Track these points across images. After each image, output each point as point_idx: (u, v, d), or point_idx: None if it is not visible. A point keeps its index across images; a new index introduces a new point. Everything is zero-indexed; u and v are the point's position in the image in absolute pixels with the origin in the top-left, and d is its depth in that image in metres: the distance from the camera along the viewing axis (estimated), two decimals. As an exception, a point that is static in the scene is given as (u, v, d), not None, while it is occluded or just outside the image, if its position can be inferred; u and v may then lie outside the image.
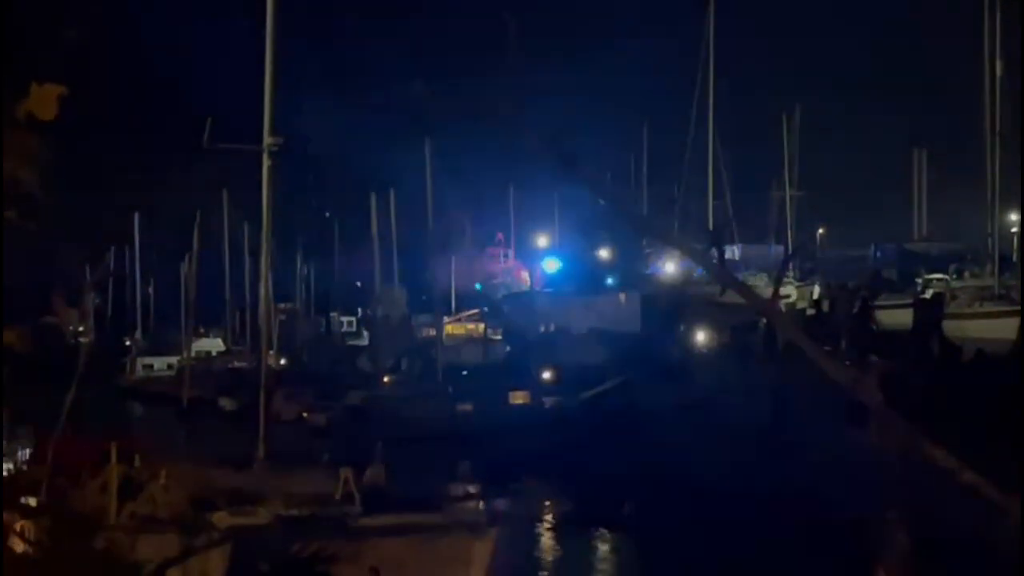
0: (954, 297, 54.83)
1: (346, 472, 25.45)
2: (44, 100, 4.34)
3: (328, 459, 30.06)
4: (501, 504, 35.38)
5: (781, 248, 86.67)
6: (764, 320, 42.47)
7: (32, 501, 19.50)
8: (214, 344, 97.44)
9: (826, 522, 24.65)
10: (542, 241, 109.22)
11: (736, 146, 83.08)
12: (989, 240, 57.42)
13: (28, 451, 27.07)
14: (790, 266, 75.72)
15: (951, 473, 4.49)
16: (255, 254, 60.95)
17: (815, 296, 66.77)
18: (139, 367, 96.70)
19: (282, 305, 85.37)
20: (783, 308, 53.81)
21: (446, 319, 79.75)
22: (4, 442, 29.70)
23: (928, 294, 58.25)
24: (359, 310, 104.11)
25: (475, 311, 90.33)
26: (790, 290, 69.87)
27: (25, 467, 25.58)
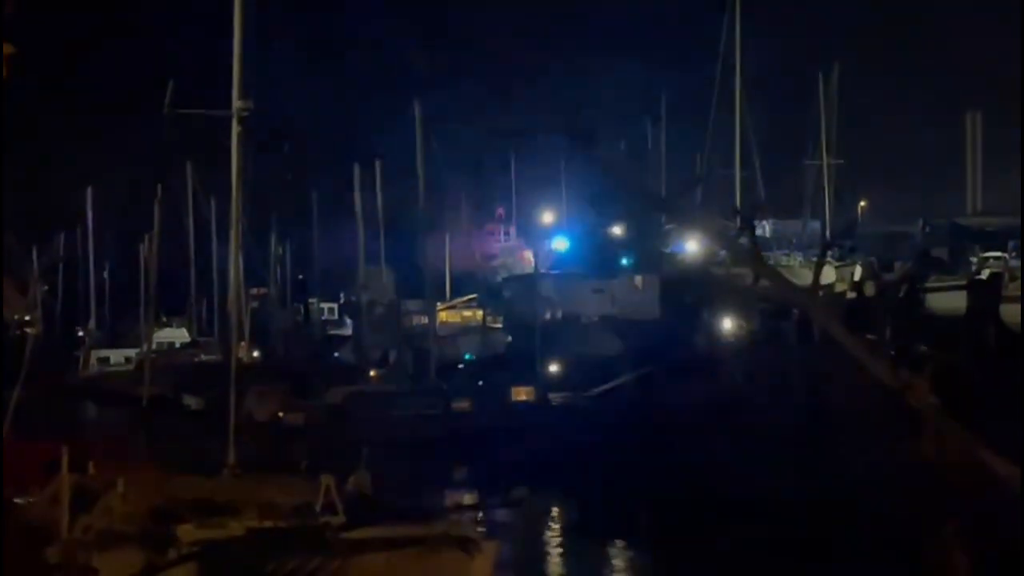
0: (1013, 278, 54.72)
1: (327, 479, 25.42)
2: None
3: (307, 465, 30.07)
4: (502, 515, 35.49)
5: (818, 224, 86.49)
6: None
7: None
8: (178, 335, 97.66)
9: (869, 539, 24.66)
10: (548, 217, 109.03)
11: (767, 109, 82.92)
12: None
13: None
14: (831, 248, 75.52)
15: (1012, 482, 4.49)
16: (223, 233, 60.85)
17: (856, 278, 66.61)
18: (93, 361, 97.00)
19: (255, 291, 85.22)
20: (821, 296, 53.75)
21: (439, 305, 79.80)
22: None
23: (984, 275, 58.13)
24: (341, 296, 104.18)
25: (472, 296, 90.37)
26: (828, 271, 69.59)
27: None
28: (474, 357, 72.76)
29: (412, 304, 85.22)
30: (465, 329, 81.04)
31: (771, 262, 54.38)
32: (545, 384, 58.82)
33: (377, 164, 79.98)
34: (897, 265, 66.73)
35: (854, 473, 28.67)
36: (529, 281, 78.70)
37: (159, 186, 78.15)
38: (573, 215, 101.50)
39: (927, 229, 78.01)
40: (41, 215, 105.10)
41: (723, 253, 65.97)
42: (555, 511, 39.84)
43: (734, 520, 31.51)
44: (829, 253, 71.32)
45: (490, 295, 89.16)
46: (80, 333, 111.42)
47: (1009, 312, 49.40)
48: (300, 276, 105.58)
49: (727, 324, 60.93)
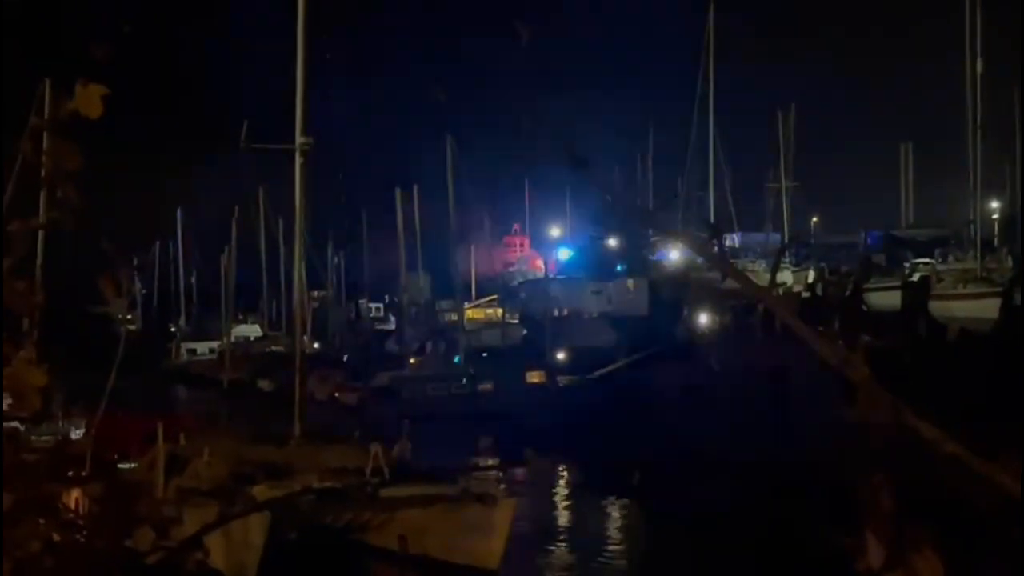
0: (939, 280, 54.60)
1: (376, 447, 25.48)
2: (89, 100, 4.32)
3: (359, 436, 30.10)
4: (519, 475, 35.50)
5: (778, 236, 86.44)
6: (762, 304, 42.34)
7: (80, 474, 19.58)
8: (252, 330, 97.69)
9: (814, 485, 24.65)
10: (555, 231, 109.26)
11: (736, 141, 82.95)
12: (971, 226, 57.23)
13: (80, 431, 27.19)
14: (786, 254, 75.49)
15: (934, 443, 4.47)
16: (289, 245, 60.97)
17: (810, 280, 66.49)
18: (183, 351, 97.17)
19: (315, 293, 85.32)
20: (780, 293, 53.71)
21: (467, 305, 79.78)
22: (59, 421, 29.91)
23: (915, 277, 58.00)
24: (386, 297, 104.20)
25: (493, 297, 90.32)
26: (786, 275, 69.67)
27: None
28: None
29: (444, 303, 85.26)
30: (488, 324, 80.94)
31: (739, 268, 54.22)
32: (554, 369, 58.78)
33: (415, 187, 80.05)
34: (843, 269, 66.66)
35: (804, 437, 28.63)
36: (540, 284, 78.85)
37: (236, 207, 78.26)
38: (577, 229, 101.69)
39: (868, 240, 77.94)
40: (139, 231, 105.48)
41: (699, 259, 65.97)
42: (563, 471, 39.83)
43: (707, 476, 31.48)
44: (785, 259, 71.27)
45: (508, 296, 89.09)
46: (172, 328, 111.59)
47: (936, 308, 49.33)
48: (353, 280, 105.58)
49: (703, 319, 60.87)
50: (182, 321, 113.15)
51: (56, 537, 4.55)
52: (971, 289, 50.69)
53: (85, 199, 4.24)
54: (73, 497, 5.17)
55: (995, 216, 68.73)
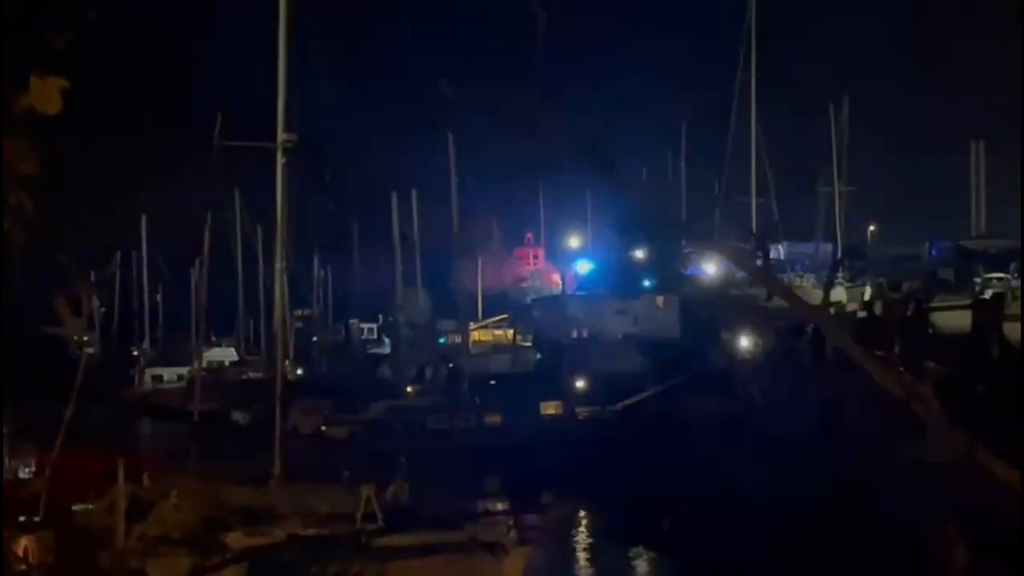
0: (1015, 297, 54.50)
1: (368, 489, 25.47)
2: (46, 94, 4.32)
3: (348, 476, 30.09)
4: (532, 521, 35.44)
5: (829, 247, 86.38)
6: (811, 325, 42.31)
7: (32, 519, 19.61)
8: (226, 353, 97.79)
9: (881, 540, 24.57)
10: (574, 241, 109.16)
11: (781, 140, 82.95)
12: (1052, 236, 57.19)
13: (30, 469, 27.23)
14: (840, 267, 75.39)
15: (1012, 486, 4.47)
16: (269, 257, 61.07)
17: (866, 298, 66.45)
18: (147, 378, 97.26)
19: (299, 312, 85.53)
20: (832, 312, 53.63)
21: (472, 325, 79.80)
22: (5, 459, 29.92)
23: (987, 295, 57.91)
24: (380, 316, 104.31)
25: (503, 316, 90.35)
26: (840, 292, 69.58)
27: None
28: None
29: (446, 324, 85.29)
30: (496, 347, 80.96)
31: (785, 283, 54.27)
32: (572, 399, 58.76)
33: (413, 192, 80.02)
34: (905, 286, 66.54)
35: (862, 480, 28.57)
36: (557, 302, 78.87)
37: (208, 214, 78.39)
38: (598, 239, 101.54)
39: (933, 252, 77.80)
40: (98, 242, 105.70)
41: (740, 274, 65.89)
42: (582, 518, 39.77)
43: (748, 525, 31.41)
44: (838, 273, 71.17)
45: (520, 315, 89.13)
46: (135, 352, 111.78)
47: (1011, 330, 49.23)
48: (342, 297, 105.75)
49: (744, 342, 60.81)
50: (146, 344, 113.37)
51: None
52: (1052, 308, 50.63)
53: (40, 207, 4.23)
54: (23, 545, 5.18)
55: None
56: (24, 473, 26.90)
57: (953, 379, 34.79)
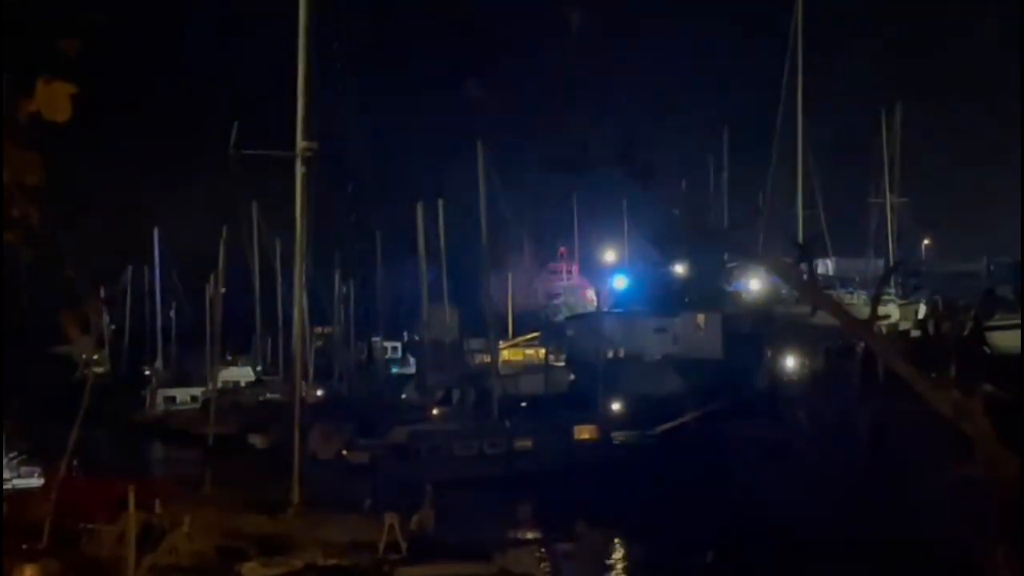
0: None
1: (391, 518, 25.47)
2: (54, 100, 4.32)
3: (371, 504, 30.12)
4: (565, 552, 35.40)
5: (881, 262, 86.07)
6: (862, 344, 42.16)
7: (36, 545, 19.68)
8: (243, 373, 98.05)
9: (925, 562, 24.51)
10: (610, 256, 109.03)
11: (829, 148, 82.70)
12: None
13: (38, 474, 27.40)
14: (891, 282, 75.08)
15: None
16: (288, 272, 61.17)
17: (920, 316, 66.18)
18: (160, 400, 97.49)
19: (319, 329, 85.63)
20: (883, 330, 53.42)
21: (502, 344, 79.80)
22: (13, 483, 30.13)
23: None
24: (405, 334, 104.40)
25: (535, 334, 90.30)
26: (891, 309, 69.29)
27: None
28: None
29: (475, 342, 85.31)
30: (527, 368, 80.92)
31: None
32: (608, 422, 58.69)
33: (439, 203, 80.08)
34: (961, 303, 66.21)
35: (915, 508, 28.44)
36: (592, 319, 78.67)
37: (224, 227, 78.70)
38: (636, 253, 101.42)
39: (992, 268, 77.42)
40: (108, 256, 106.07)
41: (785, 289, 65.71)
42: (618, 549, 39.70)
43: (795, 556, 31.32)
44: (890, 289, 70.90)
45: (552, 333, 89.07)
46: (147, 372, 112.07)
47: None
48: (364, 314, 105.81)
49: (790, 362, 60.65)
50: (159, 363, 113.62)
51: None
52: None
53: (47, 219, 4.25)
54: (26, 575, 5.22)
55: None
56: (22, 482, 27.03)
57: (1007, 399, 34.62)
